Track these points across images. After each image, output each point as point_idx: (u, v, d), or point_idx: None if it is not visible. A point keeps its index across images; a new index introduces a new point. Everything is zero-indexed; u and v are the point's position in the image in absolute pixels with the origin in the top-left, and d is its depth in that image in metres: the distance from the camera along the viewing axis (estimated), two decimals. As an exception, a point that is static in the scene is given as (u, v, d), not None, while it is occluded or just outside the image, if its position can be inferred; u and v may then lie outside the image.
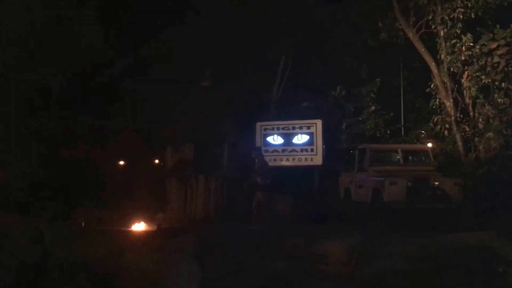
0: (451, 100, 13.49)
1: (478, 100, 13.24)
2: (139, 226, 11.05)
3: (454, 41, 13.33)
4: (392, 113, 14.80)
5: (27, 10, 11.34)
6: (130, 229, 10.73)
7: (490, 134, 12.50)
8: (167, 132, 13.87)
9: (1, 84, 11.59)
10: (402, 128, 14.93)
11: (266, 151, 13.32)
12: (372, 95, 14.86)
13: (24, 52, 11.60)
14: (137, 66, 13.15)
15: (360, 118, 14.84)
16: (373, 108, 14.75)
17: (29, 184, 11.77)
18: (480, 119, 13.08)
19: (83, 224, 10.39)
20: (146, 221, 11.41)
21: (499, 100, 12.64)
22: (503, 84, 12.74)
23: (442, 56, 13.51)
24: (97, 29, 12.09)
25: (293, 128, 13.43)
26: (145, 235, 9.59)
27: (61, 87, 12.26)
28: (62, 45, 11.70)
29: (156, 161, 15.17)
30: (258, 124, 13.45)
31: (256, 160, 11.20)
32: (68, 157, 12.73)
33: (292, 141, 13.35)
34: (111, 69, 12.97)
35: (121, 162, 15.29)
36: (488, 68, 12.85)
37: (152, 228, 10.56)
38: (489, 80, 12.85)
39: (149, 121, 13.58)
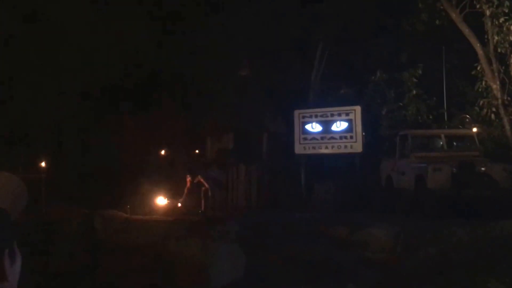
0: (498, 83, 12.96)
1: (527, 82, 12.67)
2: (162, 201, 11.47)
3: (502, 19, 12.75)
4: (435, 98, 14.38)
5: (85, 10, 11.78)
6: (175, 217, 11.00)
7: (540, 117, 11.95)
8: (207, 122, 14.05)
9: (62, 79, 12.11)
10: (445, 113, 14.50)
11: (305, 138, 13.25)
12: (414, 80, 14.46)
13: (85, 50, 12.06)
14: (178, 57, 13.32)
15: (401, 104, 14.49)
16: (414, 92, 14.36)
17: (79, 175, 12.26)
18: (530, 102, 12.53)
19: (129, 212, 10.72)
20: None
21: (550, 81, 12.03)
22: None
23: (489, 37, 12.96)
24: (143, 24, 12.36)
25: (332, 115, 13.22)
26: (190, 222, 9.80)
27: (115, 81, 12.65)
28: (115, 41, 12.06)
29: (197, 151, 15.38)
30: (296, 112, 13.35)
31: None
32: (113, 148, 13.13)
33: (331, 128, 13.16)
34: (156, 61, 13.21)
35: (162, 152, 15.61)
36: (539, 49, 12.24)
37: (196, 217, 10.80)
38: (539, 61, 12.25)
39: (190, 111, 13.78)
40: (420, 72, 14.30)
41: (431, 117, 14.44)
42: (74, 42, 11.98)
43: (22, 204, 0.91)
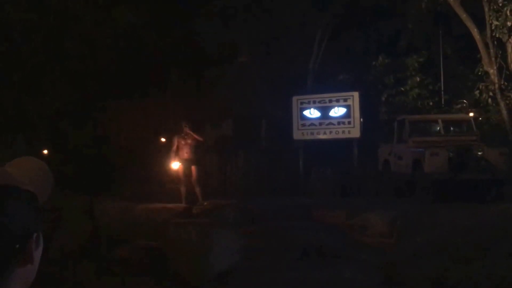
0: (495, 68, 12.95)
1: (523, 67, 12.65)
2: None
3: (500, 3, 12.67)
4: (439, 83, 14.36)
5: None
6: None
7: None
8: (206, 108, 14.02)
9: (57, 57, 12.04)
10: (442, 98, 14.51)
11: (303, 124, 13.28)
12: (416, 65, 14.42)
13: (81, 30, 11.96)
14: (177, 43, 13.24)
15: (402, 89, 14.49)
16: (418, 78, 14.34)
17: (78, 161, 12.29)
18: (526, 86, 12.53)
19: (128, 199, 10.74)
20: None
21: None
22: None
23: (486, 22, 12.89)
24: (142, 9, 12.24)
25: (330, 101, 13.25)
26: (188, 209, 9.87)
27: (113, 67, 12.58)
28: (113, 23, 11.96)
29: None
30: (294, 98, 13.38)
31: None
32: (111, 134, 13.14)
33: (329, 114, 13.20)
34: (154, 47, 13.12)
35: (163, 139, 15.59)
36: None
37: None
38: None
39: (188, 98, 13.75)
40: (421, 60, 14.27)
41: (431, 103, 14.46)
42: (75, 26, 11.90)
43: (49, 190, 0.92)
